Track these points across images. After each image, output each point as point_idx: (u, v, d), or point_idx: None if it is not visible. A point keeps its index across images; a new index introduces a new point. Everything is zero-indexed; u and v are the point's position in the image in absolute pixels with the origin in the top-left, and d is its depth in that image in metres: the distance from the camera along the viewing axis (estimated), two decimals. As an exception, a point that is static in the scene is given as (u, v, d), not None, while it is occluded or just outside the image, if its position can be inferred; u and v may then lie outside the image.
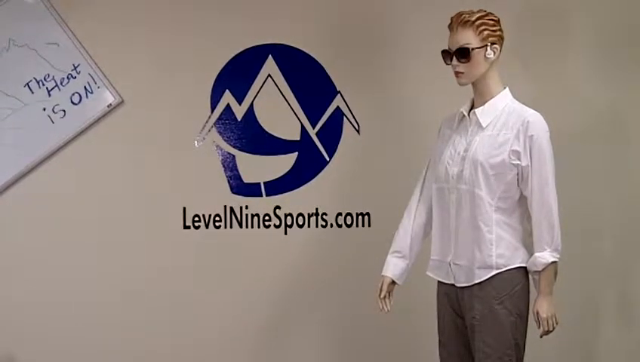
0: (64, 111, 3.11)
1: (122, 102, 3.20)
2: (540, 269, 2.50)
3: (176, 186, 3.27)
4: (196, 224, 3.25)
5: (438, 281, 2.66)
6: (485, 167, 2.50)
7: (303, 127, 3.37)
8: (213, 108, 3.29)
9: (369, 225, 3.41)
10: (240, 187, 3.32)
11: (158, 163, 3.25)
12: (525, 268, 2.52)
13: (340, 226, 3.40)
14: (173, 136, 3.26)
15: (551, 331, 2.50)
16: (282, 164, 3.36)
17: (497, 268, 2.49)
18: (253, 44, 3.29)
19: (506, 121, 2.52)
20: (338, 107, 3.40)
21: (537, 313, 2.49)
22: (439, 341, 2.64)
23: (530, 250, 2.54)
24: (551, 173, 2.49)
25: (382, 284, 2.68)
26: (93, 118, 3.15)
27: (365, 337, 3.38)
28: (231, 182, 3.31)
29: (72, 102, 3.11)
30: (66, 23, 3.14)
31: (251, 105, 3.31)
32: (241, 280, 3.32)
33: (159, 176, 3.26)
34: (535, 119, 2.49)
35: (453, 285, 2.58)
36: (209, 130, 3.27)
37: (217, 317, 3.30)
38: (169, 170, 3.26)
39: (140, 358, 3.21)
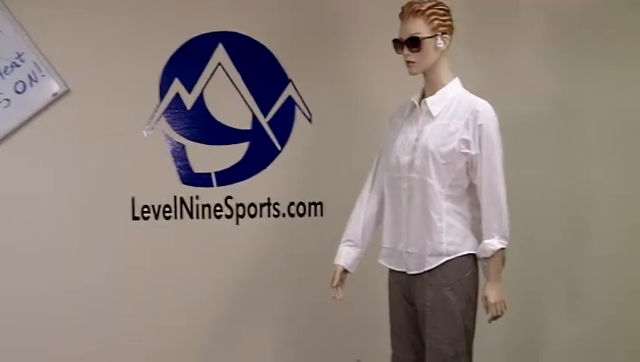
0: (8, 100, 3.11)
1: (68, 90, 3.18)
2: (488, 256, 2.55)
3: (124, 176, 3.26)
4: (145, 215, 3.25)
5: (390, 269, 2.70)
6: (436, 156, 2.52)
7: (254, 116, 3.37)
8: (162, 97, 3.27)
9: (321, 215, 3.45)
10: (190, 177, 3.32)
11: (106, 153, 3.23)
12: (474, 254, 2.58)
13: (292, 216, 3.42)
14: (121, 125, 3.23)
15: (499, 316, 2.56)
16: (233, 153, 3.36)
17: (448, 255, 2.55)
18: (203, 32, 3.27)
19: (456, 111, 2.56)
20: (290, 96, 3.41)
21: (486, 298, 2.55)
22: (391, 328, 2.68)
23: (479, 238, 2.60)
24: (499, 162, 2.53)
25: (334, 273, 2.71)
26: (39, 107, 3.14)
27: (320, 325, 3.39)
28: (181, 172, 3.31)
29: (17, 91, 3.11)
30: (10, 10, 3.13)
31: (201, 94, 3.30)
32: (192, 271, 3.33)
33: (107, 166, 3.24)
34: (484, 108, 2.54)
35: (404, 273, 2.62)
36: (158, 120, 3.27)
37: (168, 311, 3.30)
38: (117, 160, 3.25)
39: (87, 355, 3.20)
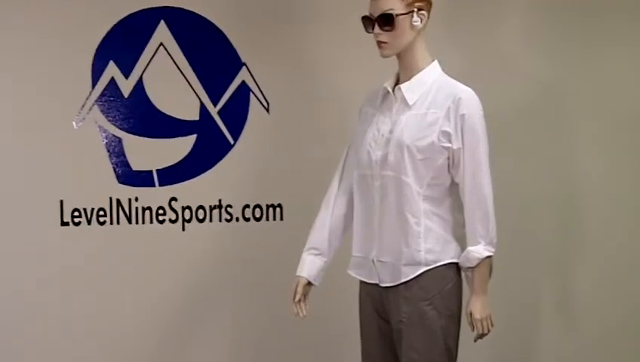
0: None
1: (-14, 80, 3.22)
2: (473, 265, 2.54)
3: (51, 176, 3.20)
4: (76, 220, 3.21)
5: (361, 281, 2.68)
6: (412, 150, 2.51)
7: (202, 104, 3.35)
8: (94, 84, 3.23)
9: (281, 219, 3.44)
10: (128, 175, 3.28)
11: (30, 148, 3.17)
12: (457, 264, 2.57)
13: (247, 220, 3.41)
14: (46, 116, 3.17)
15: (486, 334, 2.56)
16: (178, 148, 3.33)
17: (426, 265, 2.53)
18: (142, 7, 3.23)
19: (435, 98, 2.54)
20: (244, 82, 3.39)
21: (471, 314, 2.55)
22: (362, 348, 2.67)
23: (462, 244, 2.58)
24: (485, 157, 2.52)
25: (296, 286, 2.70)
26: (-48, 96, 3.15)
27: (280, 345, 3.41)
28: (117, 170, 3.27)
29: None
30: None
31: (140, 79, 3.27)
32: (132, 285, 3.29)
33: (31, 164, 3.18)
34: (467, 96, 2.51)
35: (377, 285, 2.60)
36: (90, 109, 3.22)
37: (105, 330, 3.27)
38: (42, 157, 3.19)
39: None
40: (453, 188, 2.59)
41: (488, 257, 2.56)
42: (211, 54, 3.34)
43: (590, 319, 3.63)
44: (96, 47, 3.22)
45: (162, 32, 3.27)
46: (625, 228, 3.65)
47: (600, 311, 3.64)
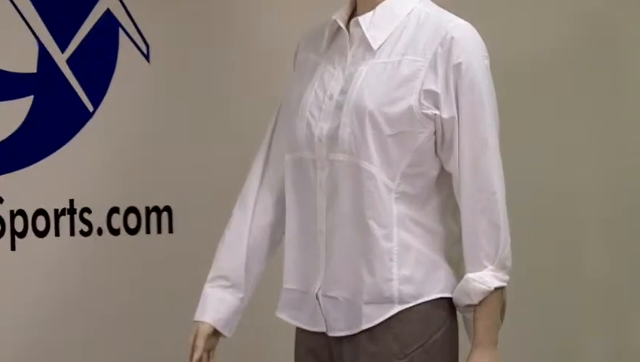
0: None
1: None
2: (475, 302, 2.46)
3: None
4: None
5: (298, 329, 2.60)
6: (378, 121, 2.44)
7: (43, 49, 3.32)
8: None
9: (169, 230, 3.45)
10: None
11: None
12: (451, 299, 2.50)
13: (115, 233, 3.41)
14: None
15: None
16: (5, 117, 3.30)
17: (402, 303, 2.46)
18: None
19: (414, 39, 2.47)
20: (109, 11, 3.36)
21: None
22: None
23: (458, 269, 2.52)
24: (493, 132, 2.47)
25: (194, 338, 2.63)
26: None
27: None
28: None
29: None
30: None
31: None
32: None
33: None
34: (463, 34, 2.45)
35: (323, 334, 2.52)
36: None
37: None
38: None
39: None
40: (444, 182, 2.52)
41: (499, 289, 2.48)
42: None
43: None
44: None
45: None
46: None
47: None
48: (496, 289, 2.48)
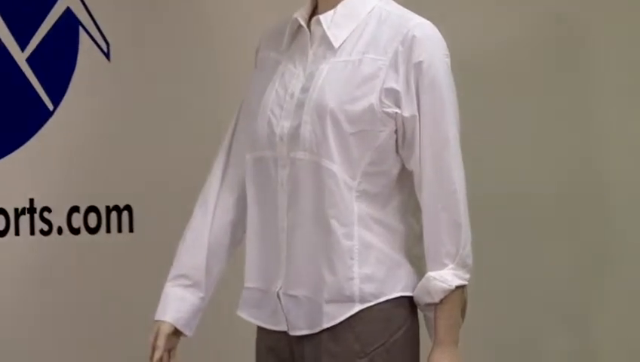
0: None
1: None
2: (436, 300, 2.47)
3: None
4: None
5: (259, 328, 2.61)
6: (339, 119, 2.46)
7: (2, 47, 3.31)
8: None
9: (130, 229, 3.44)
10: None
11: None
12: (412, 298, 2.51)
13: (75, 232, 3.40)
14: None
15: None
16: None
17: (363, 301, 2.47)
18: None
19: (375, 37, 2.49)
20: (69, 9, 3.35)
21: None
22: None
23: (420, 267, 2.52)
24: (454, 130, 2.50)
25: (155, 337, 2.62)
26: None
27: None
28: None
29: None
30: None
31: None
32: None
33: None
34: (425, 33, 2.47)
35: (285, 333, 2.53)
36: None
37: None
38: None
39: None
40: (405, 180, 2.52)
41: (460, 287, 2.49)
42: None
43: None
44: None
45: None
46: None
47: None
48: (457, 287, 2.49)
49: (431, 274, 2.49)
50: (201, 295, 2.67)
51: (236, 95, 2.78)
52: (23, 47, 3.36)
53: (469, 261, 2.51)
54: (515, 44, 3.83)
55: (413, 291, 2.53)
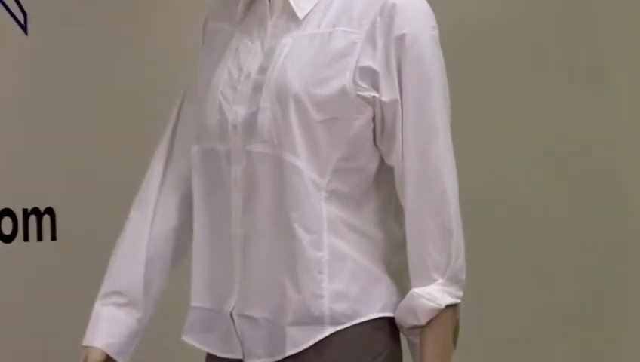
0: None
1: None
2: (422, 322, 2.30)
3: None
4: None
5: (208, 355, 2.42)
6: (305, 104, 2.33)
7: None
8: None
9: (52, 236, 3.39)
10: None
11: None
12: (393, 319, 2.34)
13: None
14: None
15: None
16: None
17: (334, 324, 2.31)
18: None
19: (348, 6, 2.32)
20: None
21: None
22: None
23: (401, 282, 2.35)
24: (444, 117, 2.34)
25: None
26: None
27: None
28: None
29: None
30: None
31: None
32: None
33: None
34: (408, 1, 2.31)
35: (240, 361, 2.36)
36: None
37: None
38: None
39: None
40: (384, 178, 2.37)
41: (451, 307, 2.31)
42: None
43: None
44: None
45: None
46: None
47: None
48: (448, 307, 2.32)
49: (415, 290, 2.33)
50: (138, 315, 2.50)
51: (179, 77, 2.69)
52: None
53: (462, 275, 2.35)
54: (516, 15, 3.83)
55: (394, 311, 2.37)
